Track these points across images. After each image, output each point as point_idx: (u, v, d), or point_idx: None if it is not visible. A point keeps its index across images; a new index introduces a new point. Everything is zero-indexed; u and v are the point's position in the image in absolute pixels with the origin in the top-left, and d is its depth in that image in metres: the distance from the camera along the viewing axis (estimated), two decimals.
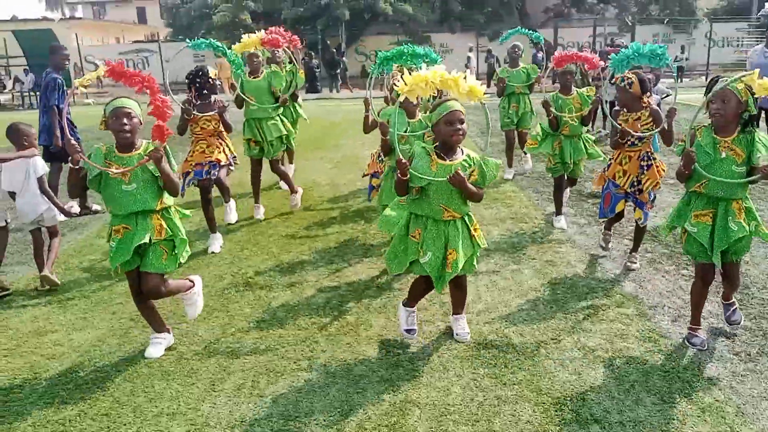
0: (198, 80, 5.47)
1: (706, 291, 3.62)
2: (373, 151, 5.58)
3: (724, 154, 3.34)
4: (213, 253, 5.46)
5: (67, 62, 7.29)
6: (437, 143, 3.42)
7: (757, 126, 3.47)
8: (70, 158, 3.35)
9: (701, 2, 32.61)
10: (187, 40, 5.77)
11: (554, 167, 5.82)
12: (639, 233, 4.90)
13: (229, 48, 5.96)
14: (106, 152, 3.44)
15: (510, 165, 8.27)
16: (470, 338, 3.71)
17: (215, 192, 5.80)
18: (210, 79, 5.52)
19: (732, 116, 3.33)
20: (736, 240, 3.39)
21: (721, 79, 3.40)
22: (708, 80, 3.55)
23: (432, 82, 3.09)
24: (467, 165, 3.36)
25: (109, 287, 4.76)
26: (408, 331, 3.70)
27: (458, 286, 3.69)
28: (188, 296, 3.79)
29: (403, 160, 3.29)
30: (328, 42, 29.33)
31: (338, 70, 25.18)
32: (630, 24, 27.74)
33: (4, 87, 24.33)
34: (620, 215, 4.91)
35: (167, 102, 3.39)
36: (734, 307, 3.77)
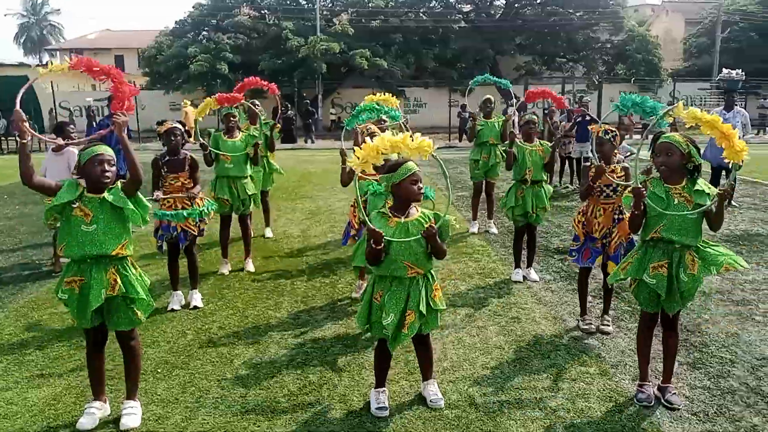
0: (171, 138, 5.31)
1: (650, 340, 3.77)
2: (351, 203, 5.63)
3: (676, 201, 3.50)
4: (197, 307, 5.38)
5: None
6: (390, 204, 3.53)
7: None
8: (17, 133, 3.20)
9: (666, 63, 34.05)
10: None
11: (516, 219, 6.03)
12: (608, 293, 4.95)
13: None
14: (79, 191, 3.33)
15: (475, 218, 8.40)
16: (443, 403, 3.65)
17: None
18: (179, 136, 5.36)
19: (676, 167, 3.52)
20: (686, 290, 3.52)
21: (662, 136, 3.58)
22: (652, 137, 3.72)
23: (382, 149, 3.17)
24: (423, 220, 3.42)
25: (68, 340, 4.65)
26: (379, 408, 3.57)
27: (422, 345, 3.69)
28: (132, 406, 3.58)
29: (377, 229, 3.29)
30: (304, 94, 29.80)
31: (311, 121, 25.53)
32: (597, 82, 28.73)
33: None
34: (587, 272, 4.98)
35: (132, 88, 3.47)
36: (674, 391, 3.72)
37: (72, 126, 6.91)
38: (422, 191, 3.43)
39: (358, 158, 3.20)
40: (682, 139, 3.51)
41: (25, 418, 3.56)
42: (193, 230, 5.29)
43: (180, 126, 5.47)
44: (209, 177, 6.46)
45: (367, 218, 3.41)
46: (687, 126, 3.57)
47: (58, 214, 3.35)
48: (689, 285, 3.48)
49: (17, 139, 3.16)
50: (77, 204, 3.30)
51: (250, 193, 6.36)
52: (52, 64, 3.39)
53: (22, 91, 3.35)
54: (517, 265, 6.20)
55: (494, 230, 8.25)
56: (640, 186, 3.50)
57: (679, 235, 3.50)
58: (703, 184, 3.55)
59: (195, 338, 4.74)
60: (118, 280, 3.33)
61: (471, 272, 6.43)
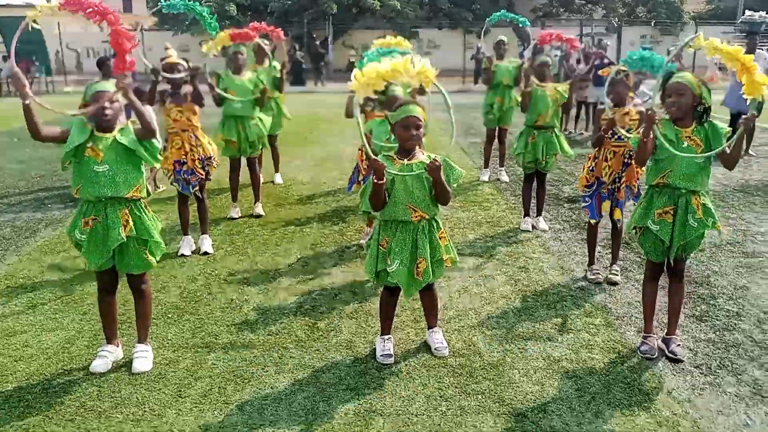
0: (175, 71, 5.31)
1: (655, 291, 3.76)
2: (359, 148, 5.58)
3: (685, 144, 3.44)
4: (207, 253, 5.43)
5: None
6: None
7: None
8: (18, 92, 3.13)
9: (688, 6, 32.87)
10: (162, 2, 5.56)
11: (526, 164, 5.96)
12: (617, 240, 4.93)
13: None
14: (89, 131, 3.33)
15: (487, 165, 8.32)
16: (448, 351, 3.70)
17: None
18: (183, 71, 5.33)
19: (687, 108, 3.44)
20: (693, 237, 3.49)
21: (674, 75, 3.49)
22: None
23: (383, 73, 3.07)
24: (428, 161, 3.35)
25: (81, 285, 4.73)
26: (384, 356, 3.60)
27: (428, 294, 3.71)
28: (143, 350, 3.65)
29: (380, 161, 3.27)
30: (314, 35, 29.18)
31: (322, 63, 25.11)
32: (616, 25, 27.88)
33: None
34: (597, 223, 4.93)
35: (128, 34, 3.29)
36: (678, 342, 3.71)
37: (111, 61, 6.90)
38: (417, 137, 3.36)
39: (358, 81, 3.11)
40: (694, 79, 3.43)
41: (41, 360, 3.66)
42: (200, 173, 5.29)
43: (183, 63, 5.40)
44: (216, 119, 6.38)
45: (369, 149, 3.37)
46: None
47: (73, 157, 3.35)
48: (699, 230, 3.46)
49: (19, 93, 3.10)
50: (90, 144, 3.32)
51: (256, 135, 6.30)
52: (39, 6, 3.23)
53: (14, 41, 3.27)
54: (526, 214, 6.16)
55: (505, 178, 8.17)
56: (652, 109, 3.40)
57: (686, 181, 3.46)
58: (716, 124, 3.46)
59: (205, 284, 4.80)
60: (130, 220, 3.38)
61: (480, 221, 6.41)
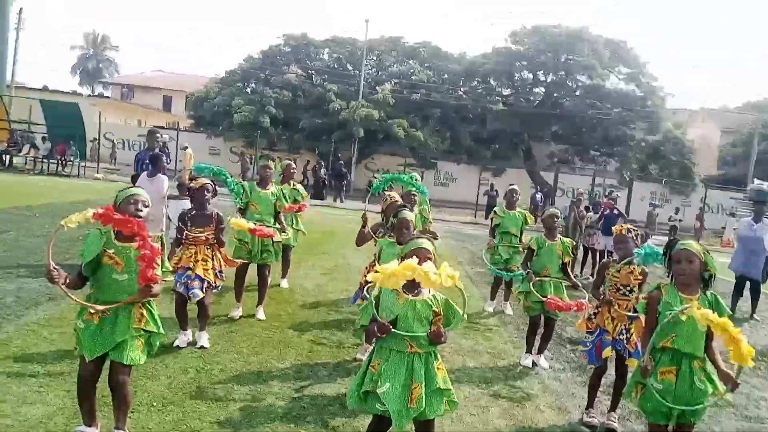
0: (203, 194, 5.48)
1: None
2: (368, 264, 5.66)
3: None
4: (203, 347, 5.36)
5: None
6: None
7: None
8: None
9: (699, 168, 34.07)
10: (196, 169, 6.04)
11: (532, 306, 5.88)
12: (618, 390, 4.78)
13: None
14: (105, 239, 3.44)
15: (493, 298, 8.33)
16: None
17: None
18: (210, 193, 5.52)
19: (695, 275, 3.50)
20: (700, 400, 3.41)
21: (679, 242, 3.58)
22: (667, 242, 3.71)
23: (402, 275, 3.08)
24: (430, 304, 3.32)
25: (71, 362, 4.66)
26: None
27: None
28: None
29: (386, 324, 3.22)
30: (340, 154, 30.44)
31: (344, 182, 26.01)
32: (629, 179, 28.82)
33: (20, 150, 24.96)
34: (602, 371, 4.85)
35: (156, 250, 3.36)
36: None
37: (166, 159, 7.53)
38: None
39: (377, 274, 3.11)
40: (699, 247, 3.54)
41: None
42: (212, 281, 5.35)
43: (211, 183, 5.63)
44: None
45: (376, 311, 3.30)
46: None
47: (92, 270, 3.43)
48: (704, 393, 3.39)
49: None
50: (110, 251, 3.42)
51: (273, 241, 6.41)
52: (75, 215, 3.25)
53: (50, 247, 3.29)
54: (528, 351, 6.09)
55: (509, 311, 8.15)
56: (647, 364, 3.45)
57: (690, 347, 3.45)
58: (720, 299, 3.50)
59: (195, 377, 4.72)
60: (145, 314, 3.48)
61: (480, 350, 6.34)
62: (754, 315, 9.66)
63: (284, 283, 8.15)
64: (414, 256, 3.22)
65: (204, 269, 5.34)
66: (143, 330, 3.47)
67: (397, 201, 5.75)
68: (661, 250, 4.22)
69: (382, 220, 5.84)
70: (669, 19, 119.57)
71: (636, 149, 33.93)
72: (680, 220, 24.84)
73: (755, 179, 24.63)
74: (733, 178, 33.90)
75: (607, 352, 4.73)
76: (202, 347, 5.36)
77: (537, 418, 4.72)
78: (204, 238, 5.42)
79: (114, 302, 3.39)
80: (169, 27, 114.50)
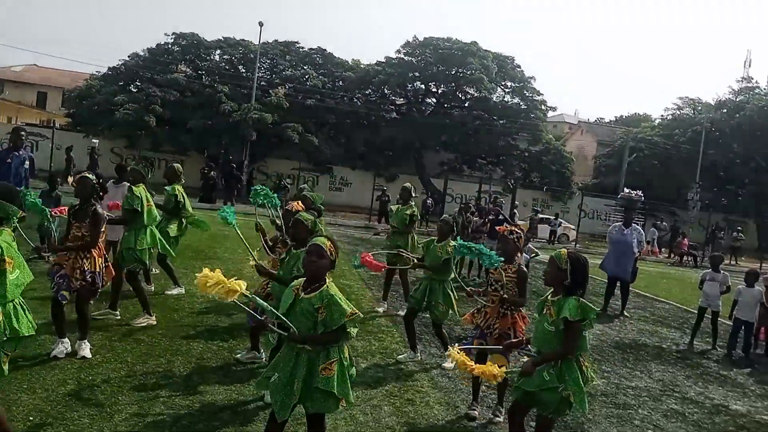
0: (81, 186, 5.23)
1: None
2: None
3: (544, 311, 3.76)
4: (84, 358, 5.03)
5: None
6: None
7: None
8: None
9: (576, 177, 36.72)
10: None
11: (411, 297, 6.30)
12: (502, 385, 5.05)
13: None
14: None
15: (385, 298, 8.52)
16: None
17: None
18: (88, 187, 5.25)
19: (551, 280, 3.77)
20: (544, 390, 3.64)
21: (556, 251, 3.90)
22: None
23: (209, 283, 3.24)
24: (316, 301, 3.36)
25: None
26: None
27: (313, 426, 3.49)
28: None
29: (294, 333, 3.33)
30: (231, 157, 29.65)
31: (238, 185, 25.48)
32: (512, 186, 30.40)
33: None
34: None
35: None
36: None
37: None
38: (317, 264, 3.42)
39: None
40: (563, 254, 3.76)
41: None
42: (74, 285, 5.04)
43: (91, 177, 5.34)
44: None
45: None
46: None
47: None
48: (550, 383, 3.60)
49: None
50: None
51: (125, 246, 6.27)
52: None
53: None
54: (412, 348, 6.32)
55: (402, 312, 8.35)
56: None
57: (541, 346, 3.76)
58: (571, 306, 3.60)
59: (76, 389, 4.46)
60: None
61: (373, 351, 6.45)
62: (624, 312, 10.52)
63: (176, 291, 7.85)
64: (309, 251, 3.46)
65: (72, 268, 5.04)
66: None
67: (307, 224, 5.19)
68: (476, 247, 5.15)
69: (285, 235, 5.79)
70: (555, 37, 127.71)
71: (519, 158, 36.23)
72: (560, 224, 26.50)
73: (625, 188, 26.77)
74: (607, 187, 36.60)
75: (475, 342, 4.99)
76: (83, 357, 5.06)
77: (427, 413, 4.89)
78: (80, 235, 5.13)
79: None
80: (45, 19, 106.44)
